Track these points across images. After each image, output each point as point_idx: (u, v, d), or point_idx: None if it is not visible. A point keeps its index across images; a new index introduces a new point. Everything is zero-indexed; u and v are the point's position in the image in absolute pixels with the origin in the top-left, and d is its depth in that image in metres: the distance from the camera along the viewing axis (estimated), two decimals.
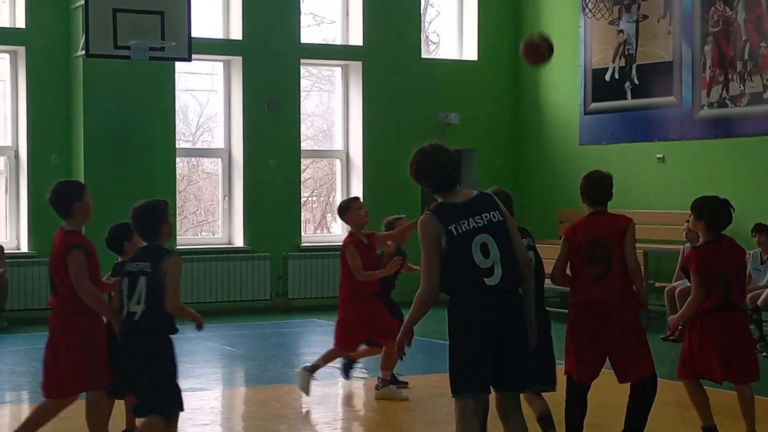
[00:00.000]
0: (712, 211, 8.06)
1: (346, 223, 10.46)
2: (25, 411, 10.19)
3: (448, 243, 6.16)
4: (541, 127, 19.37)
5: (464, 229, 6.19)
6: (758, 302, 13.26)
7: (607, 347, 7.72)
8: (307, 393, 10.08)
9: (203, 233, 18.39)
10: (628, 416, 7.86)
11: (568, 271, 7.91)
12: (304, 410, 10.16)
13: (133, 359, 7.08)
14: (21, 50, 16.38)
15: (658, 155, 17.24)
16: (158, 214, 7.49)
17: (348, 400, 10.93)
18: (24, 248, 16.21)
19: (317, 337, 14.56)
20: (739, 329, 8.10)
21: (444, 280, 6.19)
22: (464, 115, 19.10)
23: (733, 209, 8.14)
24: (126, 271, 7.28)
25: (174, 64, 16.54)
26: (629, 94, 17.65)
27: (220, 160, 17.82)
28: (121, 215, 8.81)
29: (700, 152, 16.49)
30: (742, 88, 15.98)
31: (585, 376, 7.76)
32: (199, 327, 7.21)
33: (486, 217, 6.24)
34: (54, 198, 7.74)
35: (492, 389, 6.21)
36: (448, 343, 6.25)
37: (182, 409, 7.24)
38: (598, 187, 8.01)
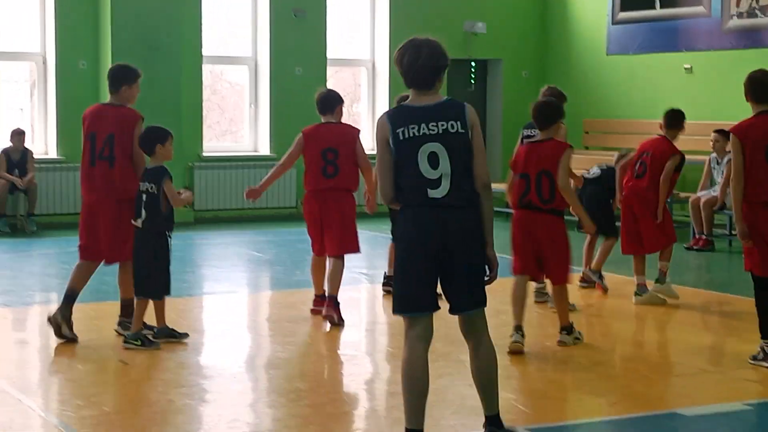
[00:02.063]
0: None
1: None
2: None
3: (394, 147, 5.84)
4: (568, 37, 19.26)
5: (411, 135, 5.82)
6: None
7: None
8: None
9: (227, 142, 18.43)
10: None
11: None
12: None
13: None
14: None
15: (685, 65, 17.15)
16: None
17: (372, 303, 11.08)
18: (53, 154, 16.33)
19: None
20: None
21: (396, 188, 5.89)
22: (491, 24, 18.99)
23: None
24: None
25: None
26: (658, 4, 17.50)
27: (246, 67, 17.81)
28: (148, 120, 8.98)
29: (728, 63, 16.38)
30: None
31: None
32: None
33: (442, 126, 5.82)
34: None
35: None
36: None
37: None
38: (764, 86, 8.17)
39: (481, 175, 5.90)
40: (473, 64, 19.47)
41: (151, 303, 8.61)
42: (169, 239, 8.55)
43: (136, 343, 8.49)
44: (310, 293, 10.47)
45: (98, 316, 9.76)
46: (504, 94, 19.37)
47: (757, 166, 8.01)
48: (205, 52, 17.07)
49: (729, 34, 16.43)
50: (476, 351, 6.04)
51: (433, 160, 5.80)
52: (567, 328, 8.77)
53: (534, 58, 19.65)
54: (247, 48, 17.83)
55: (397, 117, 5.92)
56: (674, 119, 10.77)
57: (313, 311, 9.98)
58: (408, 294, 5.89)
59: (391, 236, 10.69)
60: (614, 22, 18.29)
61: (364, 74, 18.89)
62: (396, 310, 5.95)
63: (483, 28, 18.89)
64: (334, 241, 9.64)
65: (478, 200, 5.89)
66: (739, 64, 16.26)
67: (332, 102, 9.87)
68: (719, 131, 14.53)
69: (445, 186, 5.80)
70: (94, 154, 8.76)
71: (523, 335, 8.53)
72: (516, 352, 8.41)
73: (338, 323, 9.53)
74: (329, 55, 18.07)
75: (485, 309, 6.02)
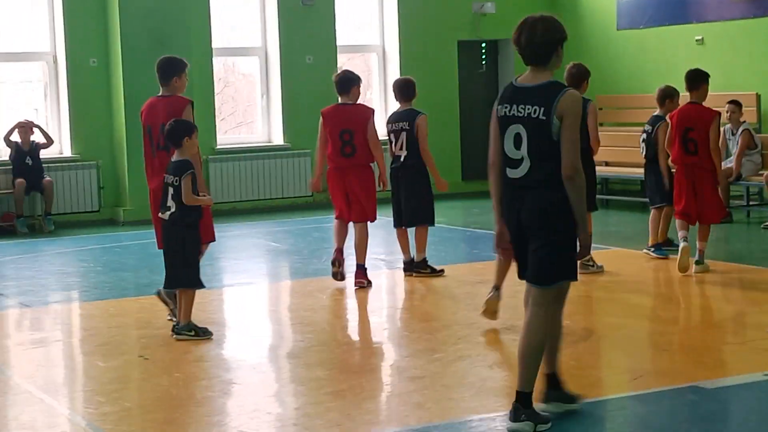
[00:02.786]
0: None
1: None
2: (76, 309, 10.46)
3: (495, 121, 6.15)
4: (578, 14, 19.17)
5: (504, 114, 6.07)
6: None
7: None
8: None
9: (242, 133, 18.44)
10: None
11: None
12: (348, 301, 10.32)
13: None
14: None
15: (696, 37, 17.06)
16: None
17: (391, 289, 11.09)
18: (67, 153, 16.37)
19: None
20: None
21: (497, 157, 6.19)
22: (500, 4, 18.91)
23: None
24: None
25: None
26: None
27: (257, 58, 17.81)
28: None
29: (739, 32, 16.29)
30: None
31: None
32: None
33: (528, 110, 5.96)
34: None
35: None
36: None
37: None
38: None
39: (566, 164, 5.93)
40: (483, 45, 19.42)
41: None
42: (197, 231, 8.60)
43: (189, 333, 8.53)
44: (329, 282, 10.51)
45: (118, 313, 9.80)
46: (516, 73, 19.23)
47: None
48: (214, 44, 17.07)
49: (739, 3, 16.32)
50: (524, 324, 6.18)
51: (518, 141, 6.02)
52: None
53: None
54: (257, 38, 17.82)
55: (504, 93, 6.15)
56: (696, 79, 10.89)
57: (333, 261, 10.56)
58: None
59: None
60: None
61: (375, 60, 18.87)
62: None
63: (492, 8, 18.83)
64: (356, 211, 10.54)
65: (558, 184, 5.95)
66: (751, 33, 16.20)
67: (347, 83, 10.56)
68: (733, 102, 14.46)
69: (524, 167, 6.01)
70: (152, 146, 9.16)
71: (498, 295, 8.66)
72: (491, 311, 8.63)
73: (367, 286, 10.46)
74: (339, 42, 18.04)
75: (554, 291, 6.11)
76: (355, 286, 10.44)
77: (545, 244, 6.02)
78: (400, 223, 11.04)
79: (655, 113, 11.98)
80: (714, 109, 10.96)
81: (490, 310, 8.65)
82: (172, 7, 16.21)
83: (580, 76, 10.55)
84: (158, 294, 9.15)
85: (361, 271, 10.51)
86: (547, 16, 6.09)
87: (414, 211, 10.95)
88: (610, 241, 12.60)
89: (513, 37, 6.10)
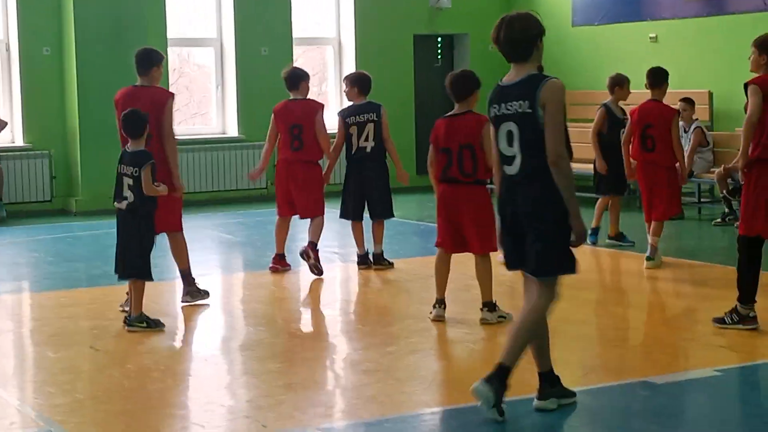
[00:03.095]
0: None
1: None
2: (26, 299, 10.38)
3: (492, 122, 6.32)
4: (533, 10, 19.19)
5: (494, 114, 6.24)
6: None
7: None
8: None
9: (196, 125, 18.35)
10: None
11: None
12: (302, 294, 10.31)
13: None
14: None
15: (650, 35, 17.18)
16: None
17: (344, 283, 11.09)
18: (19, 142, 16.21)
19: None
20: None
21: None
22: None
23: None
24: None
25: None
26: None
27: (212, 49, 17.72)
28: (112, 106, 9.06)
29: (693, 31, 16.42)
30: None
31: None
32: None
33: (516, 105, 6.11)
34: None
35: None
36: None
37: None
38: None
39: (549, 151, 6.04)
40: (439, 39, 19.45)
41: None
42: (153, 222, 8.56)
43: (141, 325, 8.50)
44: (282, 275, 10.49)
45: (69, 303, 9.73)
46: (471, 68, 19.27)
47: None
48: (169, 34, 16.96)
49: (693, 1, 16.45)
50: (524, 308, 6.32)
51: (510, 138, 6.16)
52: (489, 305, 8.62)
53: None
54: (212, 29, 17.74)
55: (492, 95, 6.28)
56: (659, 77, 11.06)
57: (271, 269, 10.84)
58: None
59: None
60: None
61: (331, 53, 18.84)
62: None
63: (448, 3, 18.85)
64: (302, 206, 10.71)
65: (547, 175, 6.06)
66: (704, 31, 16.33)
67: (296, 79, 10.84)
68: (685, 99, 14.58)
69: (517, 163, 6.14)
70: None
71: (444, 308, 8.72)
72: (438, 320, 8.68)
73: (318, 272, 10.49)
74: (295, 34, 17.99)
75: (552, 278, 6.22)
76: (301, 254, 10.61)
77: (538, 235, 6.12)
78: (358, 216, 11.03)
79: (605, 101, 12.21)
80: (673, 108, 11.13)
81: (439, 320, 8.71)
82: None
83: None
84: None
85: (312, 246, 10.57)
86: (523, 13, 6.26)
87: (384, 204, 11.04)
88: None
89: (492, 36, 6.23)
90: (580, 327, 8.64)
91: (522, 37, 6.15)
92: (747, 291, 8.20)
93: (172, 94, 9.43)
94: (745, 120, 8.15)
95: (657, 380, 6.98)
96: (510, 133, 6.15)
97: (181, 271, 9.54)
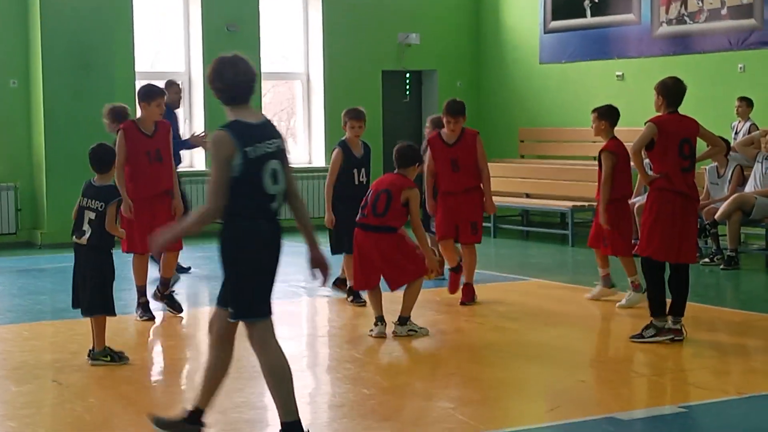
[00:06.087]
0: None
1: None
2: None
3: (243, 165, 5.93)
4: (501, 47, 19.37)
5: (259, 153, 5.96)
6: (715, 216, 13.43)
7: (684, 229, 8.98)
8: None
9: None
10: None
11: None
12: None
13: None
14: None
15: (617, 72, 17.32)
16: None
17: (312, 316, 11.04)
18: None
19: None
20: None
21: (231, 203, 5.93)
22: (425, 35, 19.07)
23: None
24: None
25: None
26: (588, 12, 17.68)
27: (180, 83, 17.68)
28: (81, 138, 9.00)
29: (659, 69, 16.49)
30: (701, 4, 16.04)
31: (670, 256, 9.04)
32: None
33: (275, 143, 6.03)
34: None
35: None
36: (226, 270, 6.14)
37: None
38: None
39: (294, 184, 6.19)
40: (408, 75, 19.53)
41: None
42: (111, 256, 8.49)
43: (105, 359, 8.42)
44: None
45: (32, 336, 9.66)
46: (439, 104, 19.36)
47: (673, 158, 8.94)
48: (138, 68, 16.95)
49: (659, 40, 16.63)
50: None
51: (275, 177, 6.02)
52: (401, 319, 9.48)
53: (468, 68, 19.75)
54: (181, 63, 17.73)
55: (241, 134, 6.00)
56: (608, 114, 11.01)
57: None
58: (267, 297, 6.26)
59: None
60: (546, 31, 18.44)
61: (299, 88, 18.86)
62: (262, 314, 6.29)
63: (417, 39, 18.96)
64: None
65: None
66: (669, 70, 16.38)
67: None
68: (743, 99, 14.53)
69: (279, 201, 6.08)
70: (150, 158, 10.18)
71: (384, 325, 9.47)
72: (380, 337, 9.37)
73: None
74: (263, 69, 18.02)
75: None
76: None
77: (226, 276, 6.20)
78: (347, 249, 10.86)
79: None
80: (612, 146, 10.98)
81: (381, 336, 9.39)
82: (96, 30, 16.09)
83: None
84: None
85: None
86: (240, 56, 6.26)
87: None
88: (529, 272, 12.67)
89: (210, 76, 6.23)
90: (546, 361, 8.63)
91: (253, 77, 6.24)
92: (655, 303, 9.03)
93: (121, 128, 10.09)
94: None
95: (623, 416, 6.98)
96: (275, 172, 6.02)
97: (162, 279, 10.57)
